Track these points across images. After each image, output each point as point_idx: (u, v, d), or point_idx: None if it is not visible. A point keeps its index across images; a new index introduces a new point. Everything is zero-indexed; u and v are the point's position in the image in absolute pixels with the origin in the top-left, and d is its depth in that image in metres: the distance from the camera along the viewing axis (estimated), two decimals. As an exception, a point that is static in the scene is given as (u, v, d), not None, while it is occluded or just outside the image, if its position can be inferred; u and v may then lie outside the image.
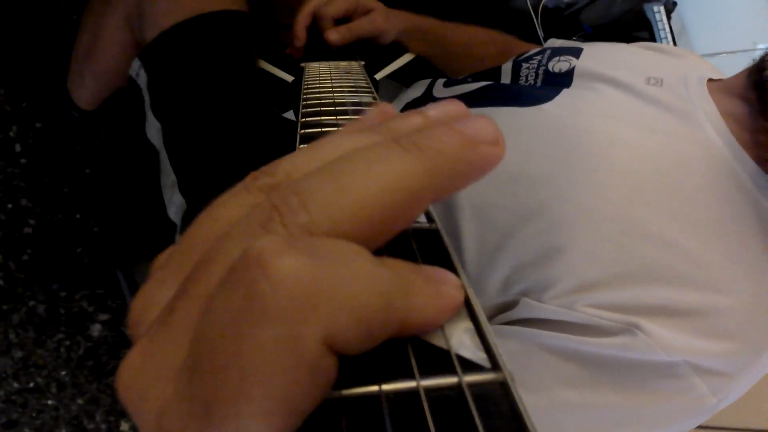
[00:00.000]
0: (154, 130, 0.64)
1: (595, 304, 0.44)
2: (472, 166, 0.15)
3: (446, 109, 0.17)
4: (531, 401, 0.43)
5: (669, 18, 1.15)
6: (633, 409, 0.43)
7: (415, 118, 0.17)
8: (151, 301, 0.15)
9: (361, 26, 0.70)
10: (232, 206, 0.15)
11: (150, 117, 0.65)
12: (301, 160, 0.16)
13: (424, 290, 0.14)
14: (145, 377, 0.13)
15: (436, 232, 0.18)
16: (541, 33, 1.10)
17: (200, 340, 0.12)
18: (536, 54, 0.66)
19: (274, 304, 0.11)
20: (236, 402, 0.11)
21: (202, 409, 0.12)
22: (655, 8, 1.13)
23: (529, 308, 0.47)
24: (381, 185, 0.14)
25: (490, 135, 0.15)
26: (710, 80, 0.55)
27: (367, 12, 0.71)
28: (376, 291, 0.12)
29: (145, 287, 0.15)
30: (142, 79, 0.65)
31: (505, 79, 0.67)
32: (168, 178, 0.63)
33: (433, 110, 0.17)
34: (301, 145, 0.29)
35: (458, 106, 0.17)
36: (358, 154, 0.14)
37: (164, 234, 0.68)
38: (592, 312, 0.43)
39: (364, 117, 0.19)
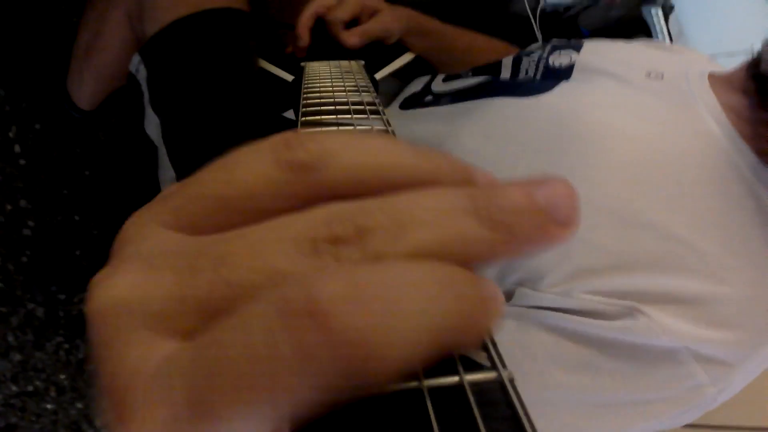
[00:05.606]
0: (153, 125, 0.65)
1: (594, 291, 0.44)
2: (534, 245, 0.13)
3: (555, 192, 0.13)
4: (521, 379, 0.43)
5: (667, 21, 1.15)
6: (629, 393, 0.43)
7: (520, 199, 0.13)
8: (143, 226, 0.14)
9: (373, 28, 0.71)
10: (254, 173, 0.13)
11: (149, 112, 0.65)
12: (353, 158, 0.13)
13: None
14: (131, 317, 0.12)
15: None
16: (539, 37, 1.11)
17: (226, 342, 0.11)
18: (538, 48, 0.66)
19: (326, 365, 0.10)
20: (243, 408, 0.10)
21: (200, 403, 0.11)
22: (653, 11, 1.14)
23: (525, 297, 0.46)
24: (445, 241, 0.12)
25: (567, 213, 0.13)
26: (711, 74, 0.55)
27: (372, 13, 0.71)
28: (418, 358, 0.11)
29: (144, 212, 0.14)
30: (142, 75, 0.65)
31: (505, 72, 0.67)
32: (167, 173, 0.63)
33: (542, 192, 0.13)
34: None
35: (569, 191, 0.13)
36: (428, 203, 0.13)
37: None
38: (590, 298, 0.43)
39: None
